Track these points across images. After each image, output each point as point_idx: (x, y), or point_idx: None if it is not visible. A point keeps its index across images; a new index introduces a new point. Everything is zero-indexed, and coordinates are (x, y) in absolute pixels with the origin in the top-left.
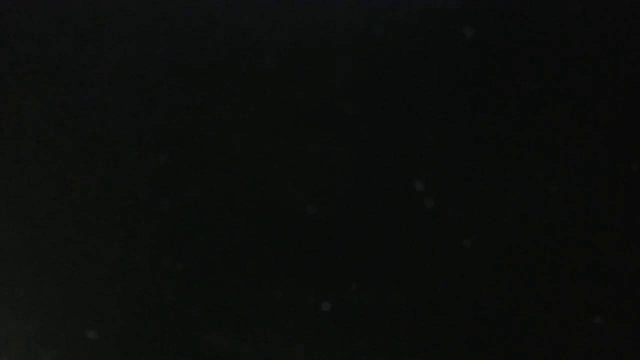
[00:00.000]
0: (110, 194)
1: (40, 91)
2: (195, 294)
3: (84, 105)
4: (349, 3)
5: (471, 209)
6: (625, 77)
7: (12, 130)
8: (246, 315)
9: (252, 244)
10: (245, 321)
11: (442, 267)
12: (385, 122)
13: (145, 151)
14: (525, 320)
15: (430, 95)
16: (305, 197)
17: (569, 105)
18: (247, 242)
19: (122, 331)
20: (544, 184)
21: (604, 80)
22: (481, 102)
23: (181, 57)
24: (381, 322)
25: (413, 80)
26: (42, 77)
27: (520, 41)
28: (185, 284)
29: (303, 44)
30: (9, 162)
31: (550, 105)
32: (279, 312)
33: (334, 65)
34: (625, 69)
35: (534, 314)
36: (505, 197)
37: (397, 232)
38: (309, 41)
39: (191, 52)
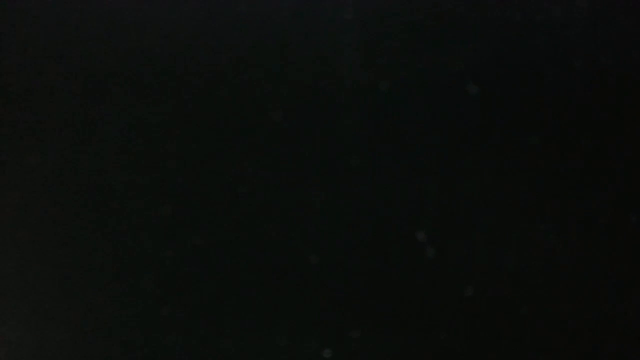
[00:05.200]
0: (112, 246)
1: (42, 142)
2: (197, 342)
3: (87, 156)
4: (353, 59)
5: (473, 259)
6: (625, 131)
7: (14, 182)
8: None
9: (255, 291)
10: None
11: (443, 316)
12: (389, 175)
13: (149, 203)
14: None
15: (433, 149)
16: (309, 246)
17: (570, 159)
18: (250, 290)
19: None
20: (545, 235)
21: (606, 134)
22: (483, 155)
23: (186, 109)
24: None
25: (416, 134)
26: (44, 128)
27: (523, 98)
28: (187, 333)
29: (308, 98)
30: (11, 212)
31: (552, 158)
32: (281, 359)
33: (338, 119)
34: (626, 123)
35: None
36: (506, 248)
37: (399, 281)
38: (314, 96)
39: (196, 104)
